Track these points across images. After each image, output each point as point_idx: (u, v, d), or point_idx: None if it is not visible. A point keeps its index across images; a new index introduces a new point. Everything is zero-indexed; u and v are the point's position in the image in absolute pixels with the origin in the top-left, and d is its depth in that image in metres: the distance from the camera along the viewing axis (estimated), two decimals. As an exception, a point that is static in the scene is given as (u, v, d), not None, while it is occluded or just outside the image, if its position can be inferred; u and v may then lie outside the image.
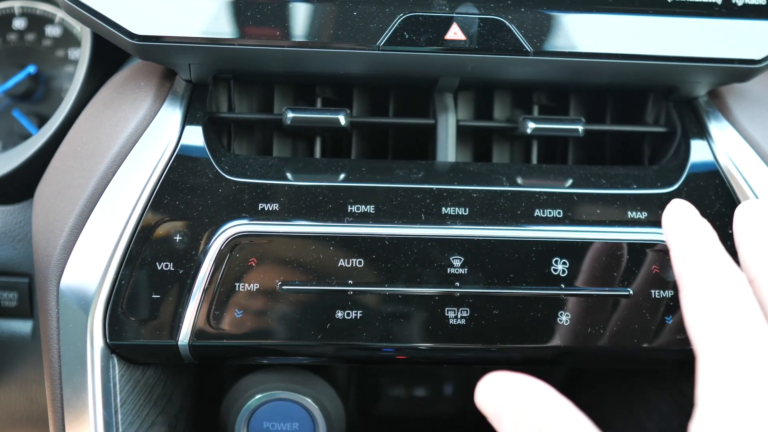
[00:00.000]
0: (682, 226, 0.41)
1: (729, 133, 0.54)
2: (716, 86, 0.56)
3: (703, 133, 0.54)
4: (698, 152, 0.53)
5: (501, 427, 0.34)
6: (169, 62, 0.52)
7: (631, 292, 0.49)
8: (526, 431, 0.32)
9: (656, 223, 0.50)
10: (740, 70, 0.52)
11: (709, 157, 0.53)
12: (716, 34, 0.51)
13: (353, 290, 0.47)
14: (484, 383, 0.35)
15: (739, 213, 0.42)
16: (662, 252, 0.49)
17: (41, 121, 0.67)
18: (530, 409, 0.33)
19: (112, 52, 0.63)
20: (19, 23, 0.68)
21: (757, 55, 0.51)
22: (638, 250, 0.49)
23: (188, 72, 0.52)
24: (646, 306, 0.49)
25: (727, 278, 0.36)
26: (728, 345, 0.33)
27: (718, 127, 0.54)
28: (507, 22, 0.49)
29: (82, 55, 0.63)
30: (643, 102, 0.59)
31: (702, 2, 0.51)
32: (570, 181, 0.52)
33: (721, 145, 0.53)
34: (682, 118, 0.55)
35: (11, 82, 0.67)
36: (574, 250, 0.49)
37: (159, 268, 0.47)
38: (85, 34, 0.63)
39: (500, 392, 0.34)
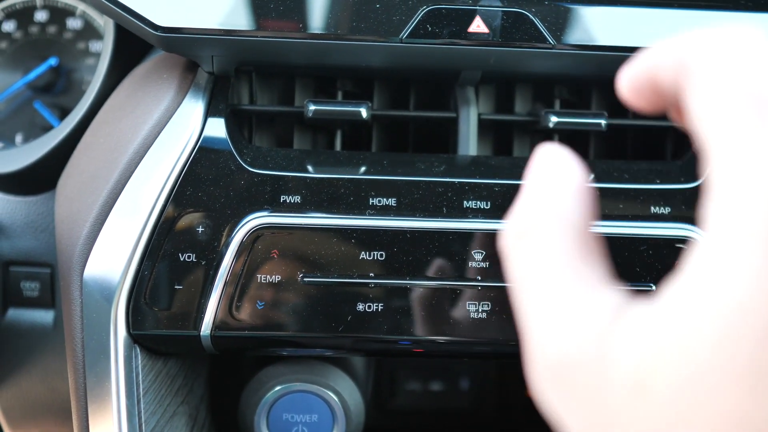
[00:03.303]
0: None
1: (754, 128, 0.53)
2: (741, 81, 0.55)
3: None
4: None
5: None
6: (192, 54, 0.52)
7: (654, 287, 0.48)
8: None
9: (680, 218, 0.50)
10: (767, 65, 0.51)
11: None
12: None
13: (374, 283, 0.48)
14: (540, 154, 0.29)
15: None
16: (686, 247, 0.49)
17: (62, 113, 0.67)
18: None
19: (134, 45, 0.63)
20: (40, 16, 0.69)
21: (785, 49, 0.50)
22: (661, 245, 0.49)
23: (211, 64, 0.52)
24: (668, 302, 0.48)
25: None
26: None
27: (742, 121, 0.53)
28: (530, 15, 0.49)
29: (105, 47, 0.63)
30: (666, 96, 0.59)
31: (728, -5, 0.50)
32: (592, 176, 0.51)
33: (745, 140, 0.52)
34: None
35: (33, 74, 0.67)
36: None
37: (181, 259, 0.47)
38: (108, 27, 0.64)
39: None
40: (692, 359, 0.21)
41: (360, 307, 0.48)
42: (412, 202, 0.49)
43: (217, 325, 0.47)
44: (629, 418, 0.22)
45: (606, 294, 0.24)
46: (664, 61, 0.27)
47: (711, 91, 0.24)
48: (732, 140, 0.23)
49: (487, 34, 0.49)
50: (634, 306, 0.23)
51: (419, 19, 0.49)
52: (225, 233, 0.47)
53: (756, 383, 0.20)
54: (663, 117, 0.59)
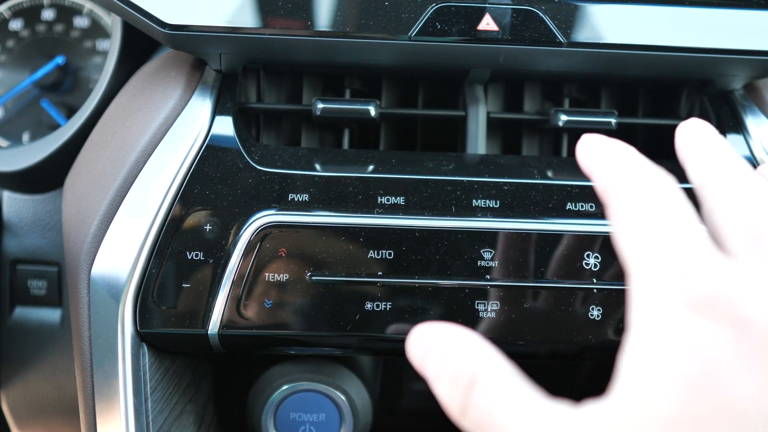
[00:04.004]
0: (597, 156, 0.36)
1: (766, 127, 0.53)
2: (753, 79, 0.55)
3: (739, 127, 0.53)
4: (734, 146, 0.52)
5: (426, 374, 0.33)
6: (199, 52, 0.52)
7: None
8: (445, 376, 0.32)
9: (690, 217, 0.49)
10: (779, 63, 0.51)
11: (745, 152, 0.52)
12: (755, 26, 0.50)
13: (383, 282, 0.47)
14: (413, 335, 0.34)
15: (680, 129, 0.39)
16: None
17: (70, 111, 0.67)
18: (451, 354, 0.32)
19: (142, 43, 0.63)
20: (47, 14, 0.69)
21: (797, 48, 0.50)
22: (672, 244, 0.48)
23: (218, 62, 0.52)
24: (679, 301, 0.48)
25: (651, 182, 0.33)
26: (660, 253, 0.29)
27: (754, 121, 0.53)
28: (540, 13, 0.49)
29: (112, 45, 0.63)
30: (676, 95, 0.59)
31: (740, -7, 0.50)
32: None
33: (757, 140, 0.52)
34: (717, 111, 0.54)
35: (40, 73, 0.67)
36: (606, 244, 0.48)
37: (189, 257, 0.47)
38: (115, 25, 0.64)
39: (426, 341, 0.33)
40: None
41: (368, 306, 0.47)
42: (420, 201, 0.48)
43: (224, 324, 0.47)
44: None
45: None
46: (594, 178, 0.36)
47: (627, 229, 0.31)
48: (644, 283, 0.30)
49: (497, 32, 0.49)
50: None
51: (428, 17, 0.48)
52: (233, 231, 0.47)
53: None
54: (673, 116, 0.59)
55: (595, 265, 0.48)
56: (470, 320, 0.48)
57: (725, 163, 0.35)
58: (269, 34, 0.48)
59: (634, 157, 0.35)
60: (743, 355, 0.27)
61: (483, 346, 0.32)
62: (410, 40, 0.48)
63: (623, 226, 0.32)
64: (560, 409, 0.29)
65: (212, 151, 0.49)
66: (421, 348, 0.34)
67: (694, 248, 0.30)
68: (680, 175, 0.45)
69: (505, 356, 0.52)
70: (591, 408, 0.28)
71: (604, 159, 0.35)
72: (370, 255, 0.47)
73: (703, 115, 0.56)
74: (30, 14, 0.68)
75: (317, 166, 0.49)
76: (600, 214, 0.49)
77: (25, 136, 0.68)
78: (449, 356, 0.32)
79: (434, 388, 0.33)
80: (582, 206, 0.49)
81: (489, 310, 0.48)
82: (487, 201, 0.49)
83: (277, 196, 0.48)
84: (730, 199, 0.32)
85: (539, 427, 0.29)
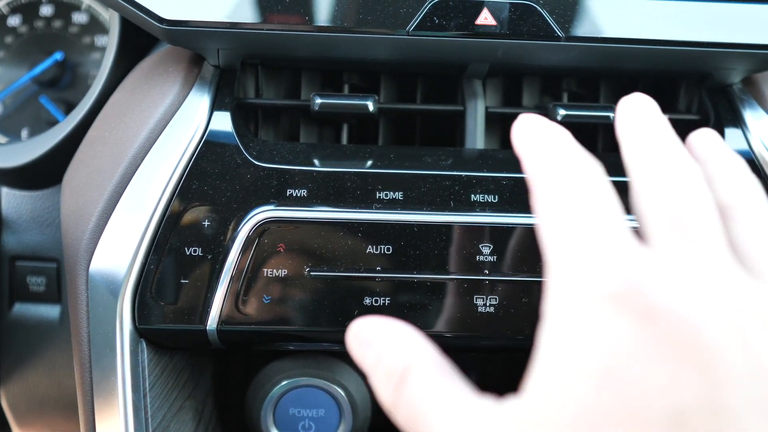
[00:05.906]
0: (528, 139, 0.35)
1: (765, 121, 0.53)
2: (752, 73, 0.55)
3: (738, 121, 0.53)
4: (732, 141, 0.52)
5: (364, 368, 0.34)
6: (197, 47, 0.52)
7: None
8: (381, 370, 0.32)
9: (689, 211, 0.49)
10: (778, 57, 0.50)
11: (744, 146, 0.52)
12: (753, 19, 0.50)
13: (381, 277, 0.47)
14: (352, 330, 0.35)
15: (620, 105, 0.38)
16: None
17: (68, 107, 0.67)
18: (387, 349, 0.33)
19: (140, 39, 0.63)
20: (46, 10, 0.69)
21: (796, 41, 0.50)
22: (670, 239, 0.48)
23: (216, 57, 0.52)
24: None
25: (576, 172, 0.32)
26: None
27: (753, 115, 0.53)
28: (538, 7, 0.49)
29: (110, 41, 0.63)
30: (675, 89, 0.59)
31: (739, -14, 0.50)
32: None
33: (756, 134, 0.52)
34: (716, 105, 0.54)
35: (38, 69, 0.67)
36: None
37: (187, 253, 0.47)
38: (113, 20, 0.63)
39: (364, 336, 0.34)
40: None
41: (367, 301, 0.47)
42: (419, 196, 0.48)
43: (223, 320, 0.47)
44: None
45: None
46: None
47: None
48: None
49: (495, 26, 0.49)
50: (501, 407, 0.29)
51: (426, 12, 0.48)
52: (231, 227, 0.47)
53: None
54: (670, 110, 0.58)
55: (594, 260, 0.48)
56: (469, 315, 0.48)
57: (654, 144, 0.33)
58: (267, 30, 0.48)
59: (564, 144, 0.33)
60: (648, 347, 0.26)
61: (417, 340, 0.33)
62: (408, 35, 0.48)
63: (543, 216, 0.31)
64: (484, 404, 0.29)
65: (210, 147, 0.49)
66: (359, 343, 0.34)
67: (610, 240, 0.29)
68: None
69: (505, 351, 0.52)
70: (509, 404, 0.29)
71: (535, 144, 0.34)
72: (368, 250, 0.47)
73: (702, 109, 0.56)
74: (28, 10, 0.68)
75: (316, 162, 0.49)
76: None
77: (24, 133, 0.68)
78: (385, 351, 0.33)
79: (372, 383, 0.33)
80: None
81: (488, 304, 0.48)
82: (486, 196, 0.49)
83: (275, 191, 0.48)
84: (652, 182, 0.32)
85: (461, 422, 0.29)
